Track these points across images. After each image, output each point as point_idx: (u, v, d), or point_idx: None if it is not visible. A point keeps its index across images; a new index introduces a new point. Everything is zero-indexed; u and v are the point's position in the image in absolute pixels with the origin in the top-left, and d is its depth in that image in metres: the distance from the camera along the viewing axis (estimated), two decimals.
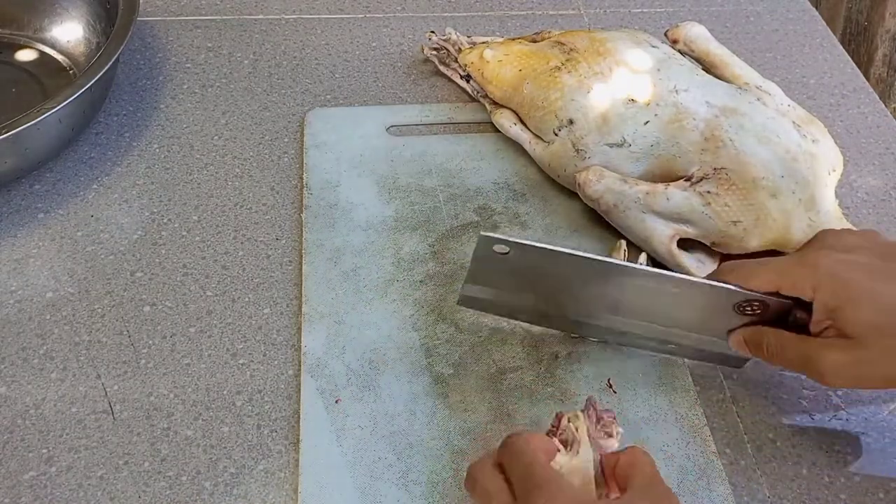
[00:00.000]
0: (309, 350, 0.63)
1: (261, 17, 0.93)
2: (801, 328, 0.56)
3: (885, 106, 0.86)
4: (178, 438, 0.59)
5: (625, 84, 0.73)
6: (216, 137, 0.79)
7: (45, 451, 0.58)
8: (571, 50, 0.76)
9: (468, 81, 0.82)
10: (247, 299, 0.67)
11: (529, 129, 0.76)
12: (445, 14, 0.94)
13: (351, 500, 0.55)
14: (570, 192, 0.74)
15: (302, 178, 0.76)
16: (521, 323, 0.65)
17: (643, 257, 0.68)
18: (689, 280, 0.58)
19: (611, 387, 0.62)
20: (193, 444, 0.59)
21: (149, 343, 0.64)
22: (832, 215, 0.68)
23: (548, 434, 0.52)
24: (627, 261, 0.67)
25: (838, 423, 0.61)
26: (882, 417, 0.61)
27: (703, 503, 0.56)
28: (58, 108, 0.68)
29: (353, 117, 0.81)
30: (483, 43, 0.82)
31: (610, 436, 0.52)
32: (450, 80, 0.85)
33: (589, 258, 0.58)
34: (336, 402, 0.60)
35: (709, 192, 0.68)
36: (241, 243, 0.71)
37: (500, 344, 0.64)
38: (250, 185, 0.75)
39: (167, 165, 0.77)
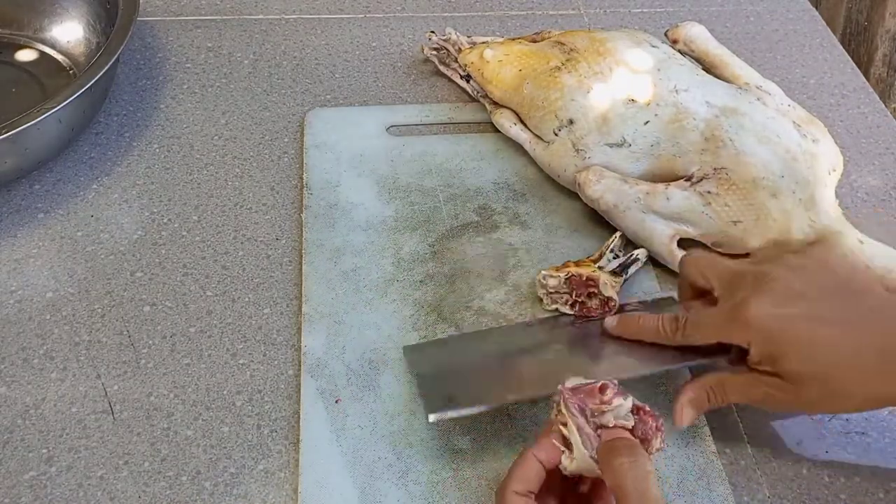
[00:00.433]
0: (309, 350, 0.63)
1: (261, 17, 0.93)
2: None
3: (885, 106, 0.86)
4: (178, 438, 0.59)
5: (625, 84, 0.73)
6: (216, 137, 0.79)
7: (45, 451, 0.58)
8: (571, 50, 0.76)
9: (468, 81, 0.82)
10: (247, 299, 0.67)
11: (529, 129, 0.76)
12: (445, 14, 0.94)
13: (351, 500, 0.55)
14: (570, 192, 0.74)
15: (302, 178, 0.76)
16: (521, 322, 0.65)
17: (642, 253, 0.68)
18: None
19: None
20: (193, 444, 0.59)
21: (149, 343, 0.64)
22: (832, 215, 0.68)
23: (553, 425, 0.52)
24: (623, 255, 0.67)
25: (838, 423, 0.61)
26: (882, 417, 0.61)
27: (703, 503, 0.56)
28: (58, 108, 0.68)
29: (353, 117, 0.81)
30: (483, 43, 0.82)
31: (603, 413, 0.50)
32: (450, 80, 0.85)
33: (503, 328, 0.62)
34: (336, 402, 0.60)
35: (709, 192, 0.68)
36: (241, 243, 0.71)
37: None
38: (250, 185, 0.75)
39: (167, 165, 0.77)
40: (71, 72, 0.84)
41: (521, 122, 0.77)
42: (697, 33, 0.77)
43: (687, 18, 0.92)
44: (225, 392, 0.61)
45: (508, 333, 0.64)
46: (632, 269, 0.67)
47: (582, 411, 0.51)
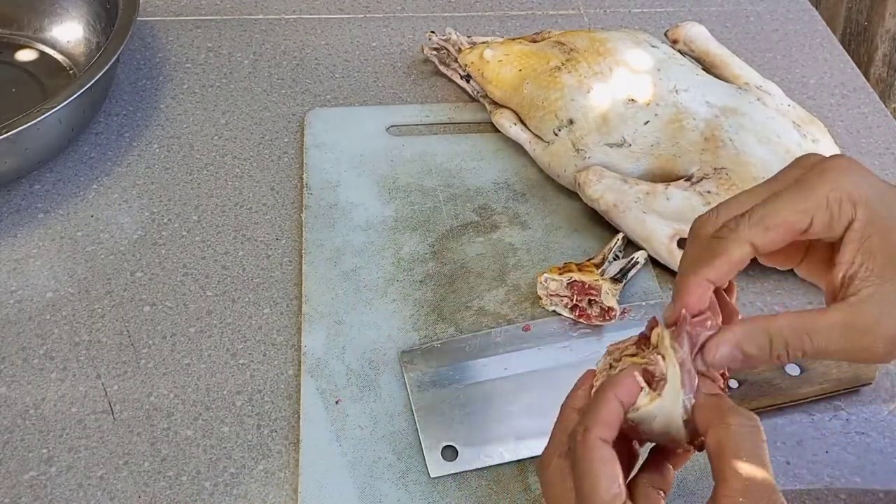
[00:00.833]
0: (309, 350, 0.63)
1: (261, 17, 0.93)
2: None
3: (885, 106, 0.86)
4: (178, 438, 0.59)
5: (625, 84, 0.73)
6: (216, 137, 0.79)
7: (45, 451, 0.58)
8: (571, 50, 0.76)
9: (468, 81, 0.82)
10: (247, 299, 0.67)
11: (529, 129, 0.76)
12: (445, 14, 0.94)
13: (351, 500, 0.55)
14: (570, 192, 0.74)
15: (302, 178, 0.76)
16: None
17: (641, 255, 0.68)
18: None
19: None
20: (193, 444, 0.59)
21: (149, 343, 0.64)
22: None
23: (637, 347, 0.45)
24: (623, 258, 0.67)
25: (838, 423, 0.61)
26: (882, 417, 0.61)
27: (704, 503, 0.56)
28: (58, 108, 0.68)
29: (353, 117, 0.81)
30: (483, 43, 0.82)
31: (709, 366, 0.43)
32: (450, 80, 0.85)
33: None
34: (336, 402, 0.60)
35: (709, 191, 0.68)
36: (241, 243, 0.71)
37: None
38: (250, 185, 0.75)
39: (167, 165, 0.77)
40: (71, 72, 0.84)
41: (521, 122, 0.77)
42: (697, 33, 0.77)
43: (687, 18, 0.92)
44: (225, 392, 0.61)
45: (510, 349, 0.63)
46: (631, 273, 0.67)
47: (691, 346, 0.43)
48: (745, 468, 0.40)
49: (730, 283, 0.47)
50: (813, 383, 0.61)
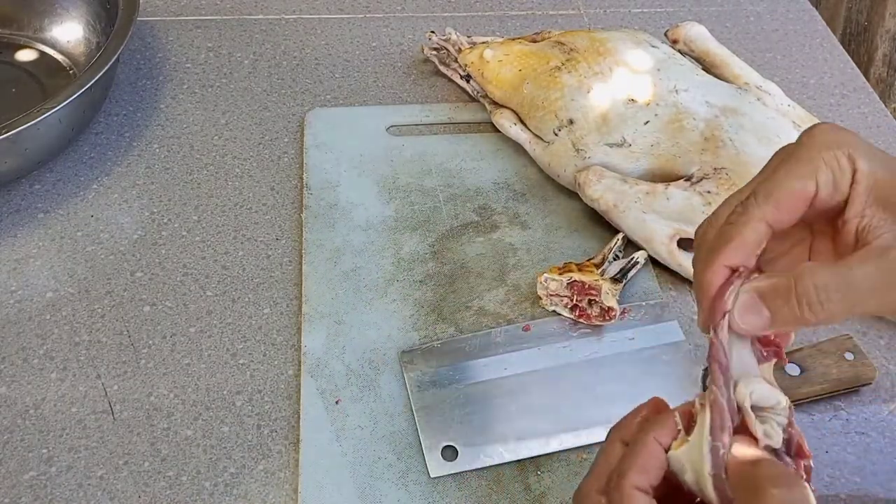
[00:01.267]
0: (309, 350, 0.63)
1: (261, 17, 0.93)
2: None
3: (885, 106, 0.86)
4: (178, 438, 0.59)
5: (625, 84, 0.73)
6: (216, 137, 0.79)
7: (45, 451, 0.58)
8: (571, 50, 0.76)
9: (468, 81, 0.82)
10: (247, 299, 0.67)
11: (529, 129, 0.76)
12: (445, 14, 0.94)
13: (351, 500, 0.55)
14: (570, 192, 0.74)
15: (302, 178, 0.76)
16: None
17: (641, 255, 0.68)
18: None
19: None
20: (193, 444, 0.59)
21: (149, 343, 0.64)
22: None
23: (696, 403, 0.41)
24: (623, 258, 0.67)
25: (838, 423, 0.61)
26: (882, 417, 0.61)
27: None
28: (58, 108, 0.68)
29: (353, 117, 0.81)
30: (483, 43, 0.82)
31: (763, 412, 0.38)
32: (450, 80, 0.85)
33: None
34: (336, 402, 0.60)
35: (709, 191, 0.68)
36: (241, 243, 0.71)
37: None
38: (250, 185, 0.75)
39: (167, 165, 0.77)
40: (71, 72, 0.84)
41: (521, 122, 0.77)
42: (697, 33, 0.77)
43: (687, 18, 0.92)
44: (225, 392, 0.61)
45: (510, 349, 0.63)
46: (631, 274, 0.67)
47: (726, 386, 0.39)
48: None
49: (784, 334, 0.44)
50: (813, 383, 0.61)
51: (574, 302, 0.64)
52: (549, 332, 0.64)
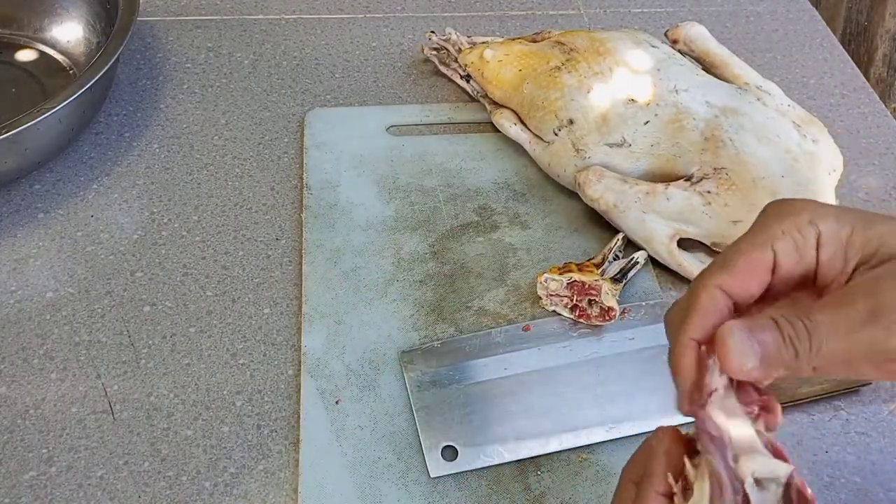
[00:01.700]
0: (309, 350, 0.63)
1: (261, 17, 0.93)
2: None
3: (885, 106, 0.86)
4: (178, 438, 0.59)
5: (625, 84, 0.73)
6: (216, 137, 0.79)
7: (45, 451, 0.58)
8: (571, 50, 0.76)
9: (468, 81, 0.82)
10: (247, 299, 0.67)
11: (529, 129, 0.76)
12: (445, 14, 0.94)
13: (351, 500, 0.55)
14: (570, 192, 0.74)
15: (302, 178, 0.76)
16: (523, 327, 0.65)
17: (641, 256, 0.68)
18: None
19: None
20: (193, 444, 0.59)
21: (149, 343, 0.64)
22: None
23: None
24: (623, 258, 0.67)
25: (838, 423, 0.61)
26: (882, 417, 0.61)
27: None
28: (58, 108, 0.68)
29: (353, 117, 0.81)
30: (483, 43, 0.82)
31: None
32: (450, 80, 0.85)
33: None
34: (336, 402, 0.60)
35: (709, 191, 0.68)
36: (241, 243, 0.71)
37: None
38: (250, 185, 0.75)
39: (167, 165, 0.77)
40: (71, 72, 0.84)
41: (521, 122, 0.77)
42: (697, 33, 0.77)
43: (687, 18, 0.92)
44: (225, 392, 0.61)
45: (510, 349, 0.63)
46: (631, 274, 0.67)
47: (723, 458, 0.38)
48: None
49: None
50: (813, 383, 0.61)
51: (574, 302, 0.64)
52: (549, 332, 0.64)
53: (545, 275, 0.65)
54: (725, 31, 0.93)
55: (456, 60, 0.83)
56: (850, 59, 0.91)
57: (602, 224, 0.71)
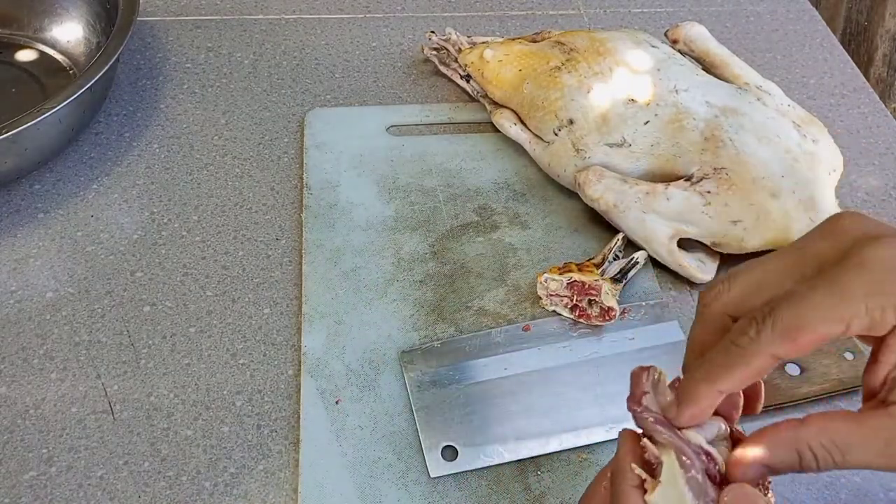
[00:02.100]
0: (309, 350, 0.63)
1: (261, 17, 0.93)
2: None
3: (885, 106, 0.86)
4: (178, 438, 0.59)
5: (625, 84, 0.73)
6: (216, 137, 0.79)
7: (45, 451, 0.58)
8: (571, 50, 0.76)
9: (468, 81, 0.82)
10: (247, 299, 0.67)
11: (529, 129, 0.76)
12: (445, 14, 0.94)
13: (351, 500, 0.55)
14: (570, 192, 0.74)
15: (302, 178, 0.76)
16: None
17: (641, 256, 0.68)
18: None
19: None
20: (193, 444, 0.59)
21: (149, 343, 0.64)
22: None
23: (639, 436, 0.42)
24: (623, 258, 0.67)
25: None
26: None
27: None
28: (58, 108, 0.68)
29: (353, 117, 0.81)
30: (483, 43, 0.82)
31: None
32: (450, 80, 0.85)
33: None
34: (336, 402, 0.60)
35: (709, 191, 0.68)
36: (241, 243, 0.71)
37: None
38: (250, 185, 0.75)
39: (167, 165, 0.77)
40: (71, 72, 0.84)
41: (521, 122, 0.77)
42: (697, 33, 0.77)
43: (687, 18, 0.92)
44: (225, 392, 0.61)
45: (510, 349, 0.63)
46: (631, 273, 0.67)
47: (676, 435, 0.40)
48: None
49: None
50: (813, 383, 0.61)
51: (574, 302, 0.64)
52: (549, 332, 0.64)
53: (545, 275, 0.65)
54: (725, 31, 0.93)
55: (456, 60, 0.83)
56: (850, 59, 0.91)
57: (602, 224, 0.71)
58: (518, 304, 0.66)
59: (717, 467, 0.39)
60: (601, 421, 0.59)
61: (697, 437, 0.40)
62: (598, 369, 0.62)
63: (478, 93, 0.81)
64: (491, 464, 0.57)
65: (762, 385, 0.43)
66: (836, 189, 0.70)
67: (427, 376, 0.61)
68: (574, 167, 0.72)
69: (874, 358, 0.39)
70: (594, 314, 0.64)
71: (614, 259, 0.67)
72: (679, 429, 0.40)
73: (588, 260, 0.67)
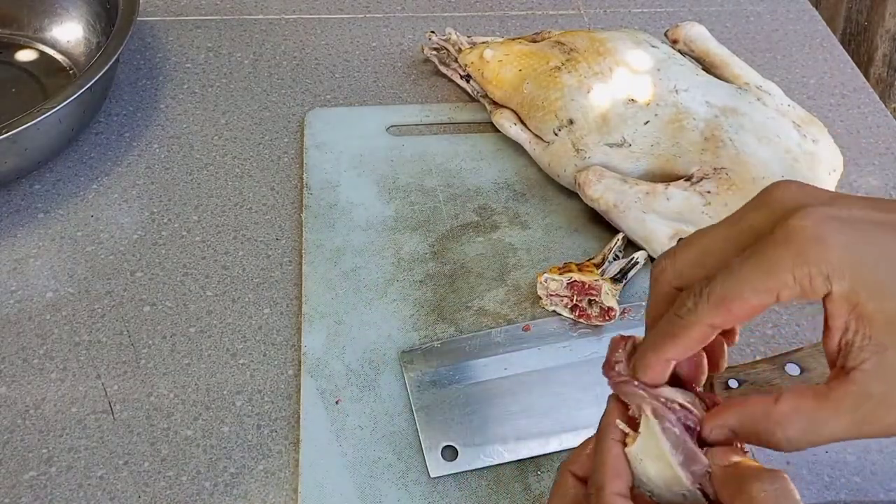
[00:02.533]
0: (309, 350, 0.63)
1: (261, 17, 0.93)
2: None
3: (885, 106, 0.86)
4: (178, 438, 0.59)
5: (625, 84, 0.73)
6: (216, 137, 0.79)
7: (45, 451, 0.58)
8: (571, 50, 0.76)
9: (468, 81, 0.82)
10: (247, 299, 0.67)
11: (529, 129, 0.76)
12: (445, 14, 0.94)
13: (351, 500, 0.55)
14: (570, 192, 0.74)
15: (302, 178, 0.76)
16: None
17: (641, 256, 0.68)
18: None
19: None
20: (193, 444, 0.59)
21: (149, 343, 0.64)
22: None
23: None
24: (623, 258, 0.67)
25: None
26: None
27: None
28: (58, 108, 0.68)
29: (353, 117, 0.81)
30: (483, 43, 0.82)
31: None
32: (450, 80, 0.85)
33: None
34: (336, 402, 0.60)
35: (709, 191, 0.68)
36: (241, 243, 0.71)
37: None
38: (250, 185, 0.75)
39: (167, 165, 0.77)
40: (71, 72, 0.84)
41: (521, 122, 0.77)
42: (697, 33, 0.77)
43: (687, 18, 0.92)
44: (225, 392, 0.61)
45: (510, 349, 0.63)
46: (631, 273, 0.67)
47: (652, 395, 0.41)
48: None
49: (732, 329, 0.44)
50: (813, 383, 0.61)
51: (574, 302, 0.64)
52: (549, 332, 0.64)
53: (545, 275, 0.65)
54: (725, 31, 0.93)
55: (456, 60, 0.83)
56: (850, 59, 0.91)
57: (602, 224, 0.71)
58: (518, 304, 0.66)
59: (695, 421, 0.41)
60: None
61: (674, 393, 0.41)
62: (597, 369, 0.62)
63: (478, 93, 0.81)
64: (491, 464, 0.57)
65: (724, 344, 0.44)
66: (836, 189, 0.70)
67: (427, 376, 0.61)
68: (574, 167, 0.72)
69: (826, 325, 0.39)
70: (594, 314, 0.64)
71: (614, 259, 0.67)
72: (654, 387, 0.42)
73: (588, 260, 0.67)
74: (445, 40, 0.84)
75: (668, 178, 0.70)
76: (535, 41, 0.80)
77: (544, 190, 0.75)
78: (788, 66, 0.90)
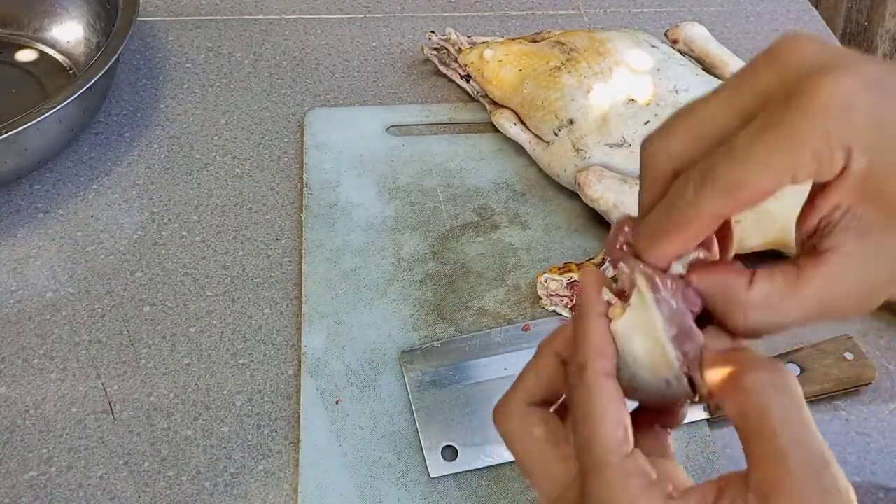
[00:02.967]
0: (309, 350, 0.63)
1: (261, 17, 0.93)
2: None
3: None
4: (178, 438, 0.59)
5: (625, 84, 0.73)
6: (216, 137, 0.79)
7: (45, 451, 0.58)
8: (571, 50, 0.76)
9: (468, 81, 0.82)
10: (247, 299, 0.67)
11: (529, 129, 0.76)
12: (445, 14, 0.94)
13: (351, 500, 0.55)
14: (570, 192, 0.74)
15: (302, 178, 0.76)
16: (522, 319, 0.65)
17: None
18: None
19: None
20: (193, 444, 0.59)
21: (149, 343, 0.64)
22: None
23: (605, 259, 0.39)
24: None
25: (838, 423, 0.61)
26: (882, 417, 0.61)
27: None
28: (58, 108, 0.68)
29: (353, 117, 0.81)
30: (483, 43, 0.82)
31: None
32: (450, 80, 0.85)
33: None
34: (336, 402, 0.60)
35: None
36: (241, 243, 0.71)
37: None
38: (250, 185, 0.75)
39: (167, 165, 0.77)
40: (71, 72, 0.84)
41: (521, 122, 0.77)
42: (697, 33, 0.77)
43: (687, 18, 0.92)
44: (225, 392, 0.61)
45: (510, 349, 0.63)
46: None
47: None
48: (778, 445, 0.31)
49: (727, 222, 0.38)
50: (813, 383, 0.61)
51: (574, 302, 0.64)
52: (549, 332, 0.64)
53: (545, 275, 0.65)
54: (725, 31, 0.93)
55: (456, 60, 0.83)
56: None
57: (602, 224, 0.71)
58: (518, 304, 0.66)
59: (692, 299, 0.36)
60: None
61: (674, 266, 0.36)
62: None
63: (478, 93, 0.81)
64: (491, 464, 0.57)
65: (731, 227, 0.39)
66: None
67: (427, 376, 0.61)
68: (574, 167, 0.72)
69: (810, 201, 0.35)
70: None
71: None
72: None
73: (588, 260, 0.67)
74: (445, 40, 0.84)
75: None
76: (535, 41, 0.80)
77: (544, 190, 0.75)
78: None
